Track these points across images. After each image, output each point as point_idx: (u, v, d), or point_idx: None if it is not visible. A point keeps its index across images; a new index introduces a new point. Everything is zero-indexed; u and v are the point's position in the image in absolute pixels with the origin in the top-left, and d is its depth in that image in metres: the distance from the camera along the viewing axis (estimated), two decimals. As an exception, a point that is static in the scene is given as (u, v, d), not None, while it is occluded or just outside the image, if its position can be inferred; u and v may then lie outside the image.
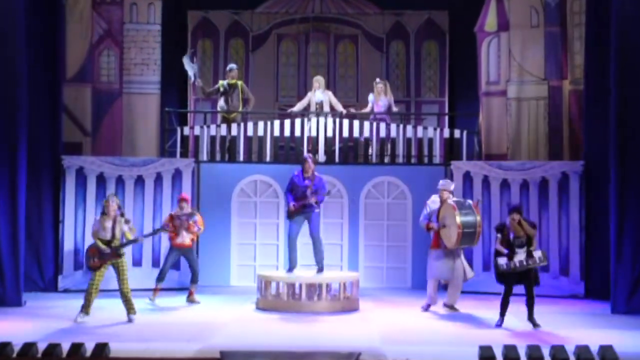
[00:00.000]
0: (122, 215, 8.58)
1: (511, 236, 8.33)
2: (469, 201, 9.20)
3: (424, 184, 10.94)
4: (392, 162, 11.96)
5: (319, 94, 12.22)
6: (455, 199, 9.33)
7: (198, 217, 10.09)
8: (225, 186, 11.80)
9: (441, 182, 9.60)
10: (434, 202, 9.42)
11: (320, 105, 12.09)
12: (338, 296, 9.48)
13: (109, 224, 8.45)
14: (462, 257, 9.41)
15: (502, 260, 8.33)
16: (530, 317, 8.43)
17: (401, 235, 11.76)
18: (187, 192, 11.22)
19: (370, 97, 12.33)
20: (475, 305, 9.85)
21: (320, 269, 9.74)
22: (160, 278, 10.00)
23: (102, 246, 8.40)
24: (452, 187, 9.56)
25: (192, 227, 9.96)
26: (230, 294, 10.94)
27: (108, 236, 8.44)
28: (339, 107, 12.21)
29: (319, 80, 12.29)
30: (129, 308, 8.53)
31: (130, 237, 8.63)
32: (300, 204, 9.56)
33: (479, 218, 8.93)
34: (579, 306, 10.11)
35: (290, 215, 9.70)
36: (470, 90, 12.85)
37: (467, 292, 10.54)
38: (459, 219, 8.84)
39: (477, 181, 11.40)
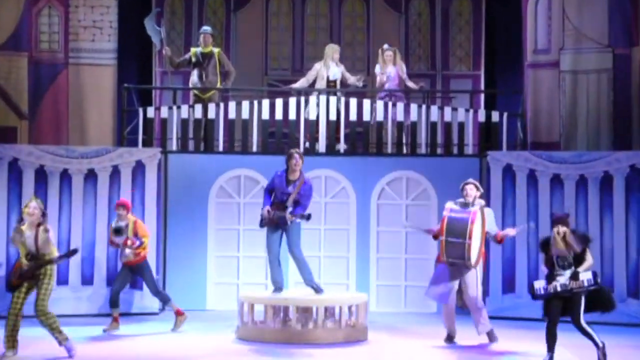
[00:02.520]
0: (41, 223, 8.35)
1: (554, 255, 8.30)
2: (478, 205, 9.04)
3: (452, 181, 10.74)
4: (412, 153, 11.91)
5: (334, 67, 12.25)
6: (478, 202, 9.15)
7: (138, 226, 9.94)
8: (200, 183, 11.73)
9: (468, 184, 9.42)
10: (452, 210, 9.20)
11: (334, 82, 12.20)
12: (340, 323, 9.39)
13: (30, 233, 8.28)
14: (478, 277, 9.23)
15: (539, 284, 8.31)
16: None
17: (424, 245, 11.54)
18: (151, 190, 11.22)
19: (377, 68, 12.40)
20: (519, 336, 9.83)
21: (317, 289, 9.63)
22: (113, 303, 9.95)
23: (24, 261, 8.29)
24: (473, 184, 9.30)
25: (130, 242, 9.88)
26: (205, 320, 10.85)
27: (33, 249, 8.28)
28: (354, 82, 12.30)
29: (336, 50, 12.29)
30: (56, 335, 8.37)
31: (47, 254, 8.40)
32: (276, 214, 9.40)
33: (472, 227, 8.79)
34: (653, 337, 10.14)
35: (262, 222, 9.54)
36: (513, 62, 12.86)
37: (508, 319, 10.55)
38: (444, 224, 8.84)
39: (520, 177, 11.26)
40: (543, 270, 8.41)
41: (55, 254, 8.36)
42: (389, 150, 11.89)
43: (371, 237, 11.76)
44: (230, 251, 11.78)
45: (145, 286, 10.42)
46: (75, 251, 8.46)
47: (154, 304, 10.94)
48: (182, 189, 11.66)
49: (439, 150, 11.93)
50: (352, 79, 12.20)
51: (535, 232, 11.01)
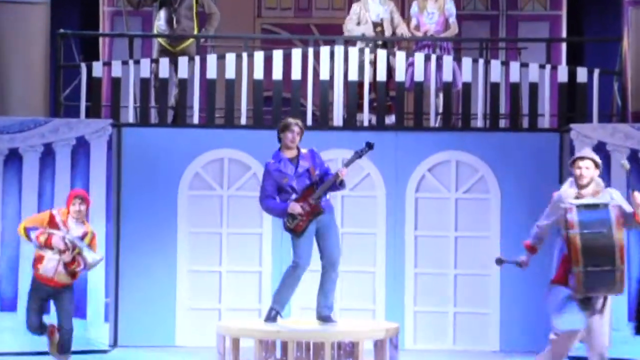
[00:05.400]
0: None
1: None
2: (608, 197, 8.41)
3: (521, 165, 10.96)
4: (464, 127, 11.96)
5: (377, 5, 12.53)
6: (593, 187, 8.48)
7: (94, 244, 9.89)
8: (167, 169, 11.79)
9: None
10: (565, 193, 8.68)
11: (381, 25, 12.44)
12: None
13: None
14: (609, 308, 8.80)
15: None
16: None
17: (481, 257, 11.61)
18: (98, 178, 11.29)
19: (414, 8, 12.65)
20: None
21: (327, 316, 9.45)
22: (40, 328, 9.79)
23: None
24: (588, 158, 8.62)
25: (75, 262, 9.69)
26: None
27: None
28: (405, 29, 12.62)
29: None
30: None
31: None
32: (314, 202, 9.27)
33: (618, 236, 8.22)
34: None
35: (296, 221, 9.34)
36: (607, -1, 12.60)
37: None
38: (577, 242, 8.16)
39: (617, 159, 11.01)
40: None
41: None
42: (432, 124, 11.90)
43: (407, 245, 11.76)
44: (209, 264, 11.78)
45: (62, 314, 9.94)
46: None
47: (102, 337, 11.05)
48: (141, 176, 11.68)
49: (502, 123, 11.98)
50: (405, 29, 12.43)
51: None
